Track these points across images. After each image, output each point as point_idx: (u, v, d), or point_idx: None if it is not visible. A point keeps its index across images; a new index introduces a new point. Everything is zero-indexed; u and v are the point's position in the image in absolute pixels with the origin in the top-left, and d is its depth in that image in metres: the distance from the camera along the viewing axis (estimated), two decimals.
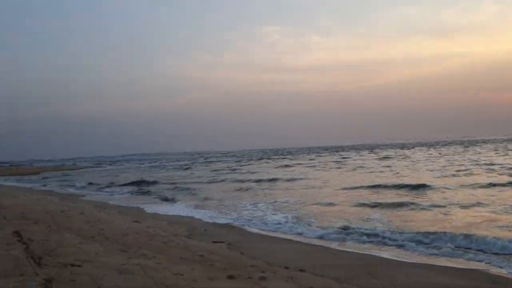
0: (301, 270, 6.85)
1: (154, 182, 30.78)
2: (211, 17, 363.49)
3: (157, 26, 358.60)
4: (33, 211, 12.48)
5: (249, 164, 53.23)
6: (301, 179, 27.17)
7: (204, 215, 14.64)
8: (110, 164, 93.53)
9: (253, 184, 26.00)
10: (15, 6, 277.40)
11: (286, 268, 7.03)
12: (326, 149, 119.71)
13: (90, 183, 33.43)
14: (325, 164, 42.62)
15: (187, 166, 56.55)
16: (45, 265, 5.52)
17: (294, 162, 51.73)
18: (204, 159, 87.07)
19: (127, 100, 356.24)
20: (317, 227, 11.25)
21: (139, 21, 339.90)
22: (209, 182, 29.47)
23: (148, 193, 24.24)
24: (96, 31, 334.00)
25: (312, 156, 67.35)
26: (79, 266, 5.96)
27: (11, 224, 7.44)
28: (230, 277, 6.13)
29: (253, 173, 36.42)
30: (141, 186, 28.55)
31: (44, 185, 34.94)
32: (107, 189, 28.28)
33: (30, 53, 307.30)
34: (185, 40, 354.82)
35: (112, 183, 32.61)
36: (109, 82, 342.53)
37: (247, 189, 22.82)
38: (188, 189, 24.59)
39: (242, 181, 28.40)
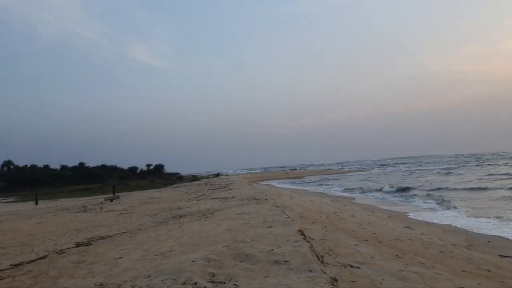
0: None
1: (413, 188, 29.63)
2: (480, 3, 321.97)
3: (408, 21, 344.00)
4: (309, 211, 13.56)
5: None
6: None
7: (478, 224, 13.11)
8: (373, 168, 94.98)
9: None
10: None
11: None
12: None
13: (346, 188, 34.73)
14: None
15: (449, 171, 52.12)
16: (327, 264, 5.81)
17: None
18: (477, 162, 78.51)
19: (385, 104, 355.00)
20: None
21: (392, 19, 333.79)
22: (479, 189, 26.40)
23: (409, 198, 23.43)
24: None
25: None
26: (357, 267, 6.06)
27: (294, 223, 8.17)
28: None
29: None
30: (400, 191, 27.90)
31: (315, 187, 38.09)
32: (370, 193, 28.75)
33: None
34: (446, 34, 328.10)
35: (367, 187, 33.00)
36: (366, 88, 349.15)
37: None
38: (452, 196, 22.67)
39: None
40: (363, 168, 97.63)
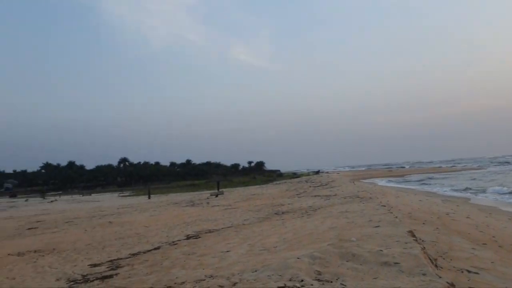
0: None
1: None
2: None
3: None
4: (418, 211, 12.83)
5: None
6: None
7: None
8: (489, 166, 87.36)
9: None
10: None
11: None
12: None
13: (453, 188, 32.30)
14: None
15: None
16: (441, 268, 5.42)
17: None
18: None
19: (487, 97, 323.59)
20: None
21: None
22: None
23: None
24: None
25: None
26: (476, 273, 5.58)
27: (403, 223, 7.78)
28: None
29: None
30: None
31: (420, 186, 36.08)
32: (480, 194, 26.45)
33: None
34: None
35: (480, 187, 30.35)
36: (486, 77, 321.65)
37: None
38: None
39: None
40: (478, 166, 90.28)
